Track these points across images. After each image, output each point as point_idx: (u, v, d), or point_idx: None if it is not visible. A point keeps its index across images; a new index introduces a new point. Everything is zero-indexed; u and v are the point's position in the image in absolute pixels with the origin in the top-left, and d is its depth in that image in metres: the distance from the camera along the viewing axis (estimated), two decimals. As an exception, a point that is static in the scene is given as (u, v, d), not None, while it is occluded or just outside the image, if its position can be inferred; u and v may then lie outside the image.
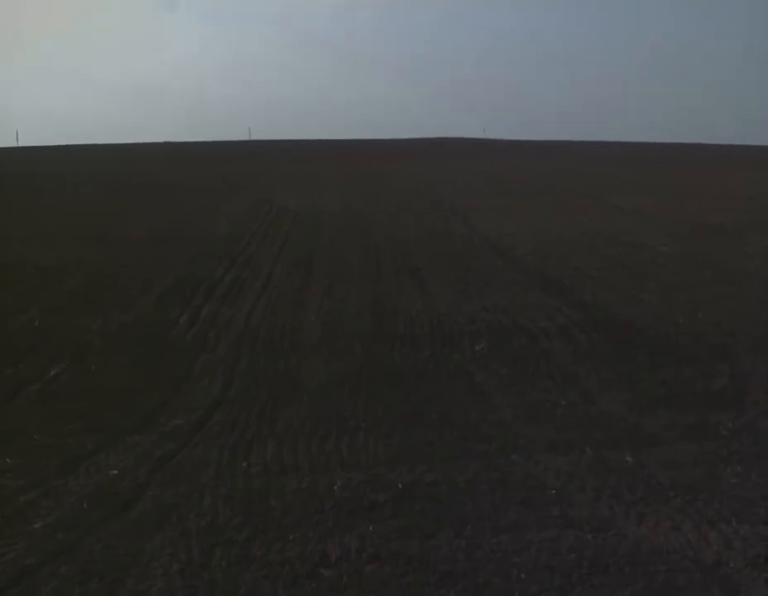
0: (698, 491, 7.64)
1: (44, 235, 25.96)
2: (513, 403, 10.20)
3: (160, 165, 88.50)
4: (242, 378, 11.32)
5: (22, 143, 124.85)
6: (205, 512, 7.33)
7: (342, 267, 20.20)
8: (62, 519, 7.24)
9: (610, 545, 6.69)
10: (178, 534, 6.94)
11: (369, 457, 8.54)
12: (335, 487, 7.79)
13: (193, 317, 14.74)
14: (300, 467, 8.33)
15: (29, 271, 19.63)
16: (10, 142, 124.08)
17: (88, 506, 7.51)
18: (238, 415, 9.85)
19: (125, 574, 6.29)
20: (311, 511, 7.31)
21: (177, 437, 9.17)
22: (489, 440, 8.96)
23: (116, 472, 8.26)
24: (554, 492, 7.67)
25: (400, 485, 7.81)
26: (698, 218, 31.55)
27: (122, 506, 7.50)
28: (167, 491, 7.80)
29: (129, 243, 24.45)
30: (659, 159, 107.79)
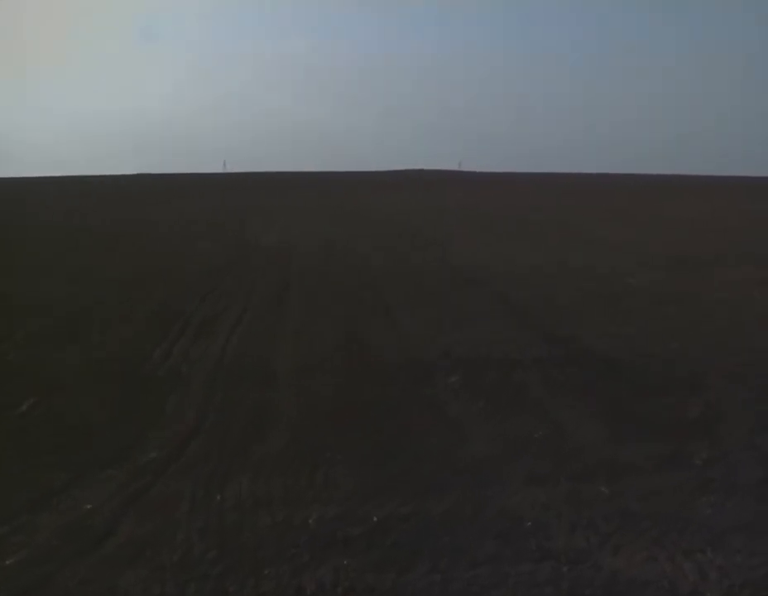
0: (673, 521, 7.65)
1: (20, 269, 25.89)
2: (488, 436, 10.19)
3: (135, 197, 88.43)
4: (215, 412, 11.25)
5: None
6: (179, 547, 7.27)
7: (315, 302, 20.18)
8: (34, 555, 7.14)
9: (586, 577, 6.68)
10: (152, 569, 6.87)
11: (343, 490, 8.49)
12: (310, 521, 7.75)
13: (167, 351, 14.66)
14: (275, 501, 8.27)
15: (6, 306, 19.55)
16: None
17: (60, 541, 7.42)
18: (212, 448, 9.79)
19: (98, 611, 6.22)
20: (286, 545, 7.26)
21: (151, 471, 9.09)
22: (464, 473, 8.94)
23: (89, 506, 8.17)
24: (529, 524, 7.66)
25: (375, 518, 7.78)
26: (671, 250, 31.86)
27: (96, 541, 7.41)
28: (141, 525, 7.72)
29: (105, 279, 24.41)
30: (633, 190, 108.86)
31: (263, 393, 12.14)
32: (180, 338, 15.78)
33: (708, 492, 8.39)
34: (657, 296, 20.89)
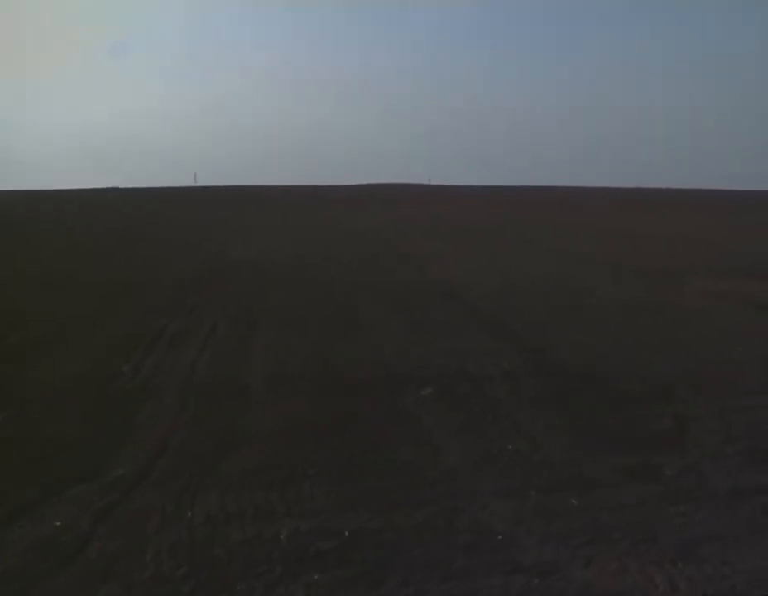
0: (644, 532, 7.69)
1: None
2: (459, 448, 10.19)
3: (107, 212, 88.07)
4: (186, 427, 11.19)
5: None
6: (150, 563, 7.22)
7: (288, 316, 20.13)
8: (3, 572, 7.07)
9: (557, 589, 6.71)
10: (122, 586, 6.83)
11: (315, 505, 8.47)
12: (281, 536, 7.72)
13: (137, 366, 14.57)
14: (246, 516, 8.24)
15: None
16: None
17: (30, 558, 7.36)
18: (183, 464, 9.73)
19: (67, 629, 6.17)
20: (257, 561, 7.24)
21: (121, 487, 9.02)
22: (435, 486, 8.94)
23: (59, 523, 8.10)
24: (500, 537, 7.67)
25: (346, 533, 7.77)
26: (641, 262, 32.10)
27: (66, 558, 7.35)
28: (111, 542, 7.66)
29: (77, 293, 24.28)
30: (605, 203, 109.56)
31: (234, 408, 12.10)
32: (152, 353, 15.69)
33: (678, 502, 8.44)
34: (627, 308, 21.03)
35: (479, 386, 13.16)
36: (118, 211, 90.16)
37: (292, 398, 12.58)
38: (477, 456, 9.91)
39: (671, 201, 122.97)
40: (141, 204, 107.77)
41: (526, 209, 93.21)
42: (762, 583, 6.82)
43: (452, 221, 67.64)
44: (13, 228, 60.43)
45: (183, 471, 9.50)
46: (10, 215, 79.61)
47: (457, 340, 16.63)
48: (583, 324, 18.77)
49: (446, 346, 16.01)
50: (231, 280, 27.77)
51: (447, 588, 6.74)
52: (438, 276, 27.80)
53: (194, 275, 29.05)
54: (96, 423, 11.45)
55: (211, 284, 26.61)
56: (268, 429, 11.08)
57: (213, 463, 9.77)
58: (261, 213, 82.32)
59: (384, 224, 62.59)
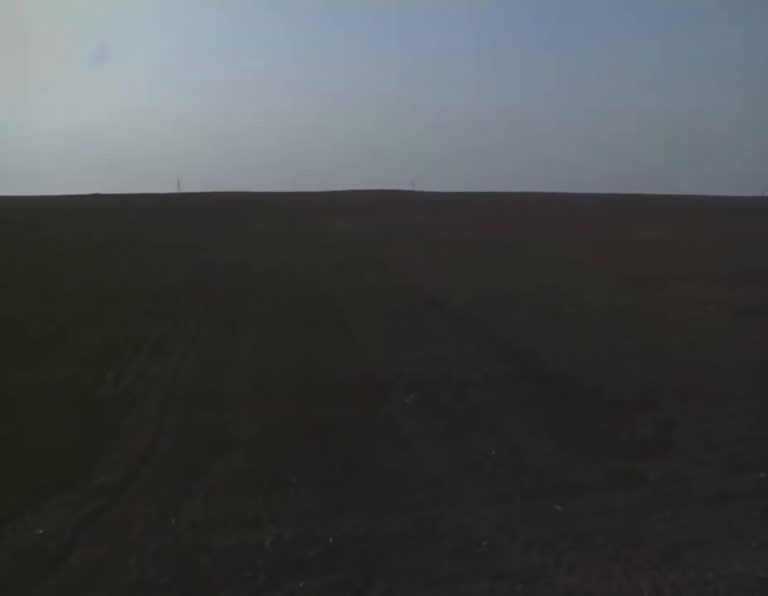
0: (628, 538, 7.72)
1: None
2: (443, 455, 10.20)
3: (90, 219, 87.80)
4: (170, 434, 11.16)
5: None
6: (133, 570, 7.21)
7: (271, 322, 20.11)
8: (-14, 581, 7.05)
9: (542, 595, 6.71)
10: (106, 593, 6.81)
11: (299, 512, 8.46)
12: (266, 543, 7.72)
13: (121, 373, 14.52)
14: (230, 522, 8.22)
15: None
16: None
17: (13, 566, 7.33)
18: (167, 470, 9.70)
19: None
20: (242, 568, 7.23)
21: (105, 494, 8.99)
22: (419, 492, 8.94)
23: (42, 531, 8.07)
24: (485, 543, 7.68)
25: (330, 539, 7.76)
26: (624, 269, 32.19)
27: (50, 565, 7.32)
28: (95, 549, 7.64)
29: (60, 300, 24.19)
30: (591, 210, 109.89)
31: (219, 414, 12.07)
32: (136, 359, 15.65)
33: (661, 508, 8.47)
34: (613, 315, 21.08)
35: (463, 392, 13.17)
36: (102, 218, 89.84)
37: (276, 404, 12.56)
38: (462, 462, 9.92)
39: (657, 208, 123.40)
40: (125, 211, 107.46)
41: (512, 215, 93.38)
42: (744, 588, 6.85)
43: (436, 227, 67.68)
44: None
45: (167, 478, 9.47)
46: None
47: (441, 347, 16.63)
48: (567, 330, 18.80)
49: (430, 352, 16.01)
50: (214, 286, 27.71)
51: (432, 595, 6.74)
52: (423, 283, 27.80)
53: (177, 281, 28.97)
54: (80, 430, 11.41)
55: (195, 290, 26.53)
56: (252, 435, 11.06)
57: (197, 469, 9.74)
58: (243, 219, 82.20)
59: (368, 231, 62.59)
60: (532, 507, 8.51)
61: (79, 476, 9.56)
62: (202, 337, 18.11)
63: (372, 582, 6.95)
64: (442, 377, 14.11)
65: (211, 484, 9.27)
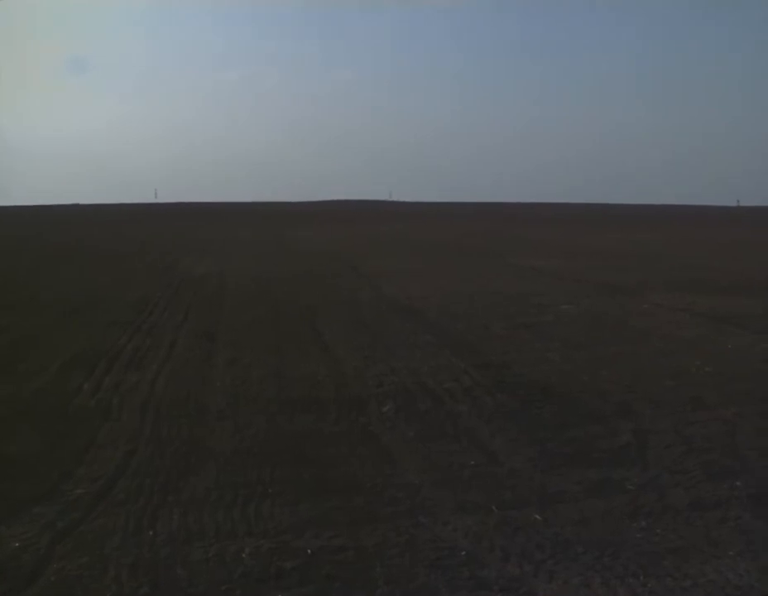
0: (606, 546, 7.72)
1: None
2: (420, 465, 10.18)
3: (69, 228, 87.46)
4: (146, 446, 11.09)
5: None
6: (110, 583, 7.13)
7: (247, 333, 20.05)
8: (-41, 597, 6.97)
9: (520, 605, 6.71)
10: (81, 608, 6.75)
11: (276, 523, 8.41)
12: (243, 555, 7.66)
13: (96, 385, 14.44)
14: (207, 535, 8.16)
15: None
16: None
17: (-13, 581, 7.25)
18: (143, 483, 9.63)
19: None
20: (219, 580, 7.17)
21: (81, 506, 8.91)
22: (397, 503, 8.92)
23: (17, 544, 7.98)
24: (463, 553, 7.66)
25: (309, 551, 7.72)
26: (599, 277, 32.33)
27: (25, 580, 7.24)
28: (71, 562, 7.55)
29: (34, 310, 24.06)
30: (564, 219, 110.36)
31: (195, 426, 12.02)
32: (111, 371, 15.56)
33: (639, 517, 8.49)
34: (588, 323, 21.16)
35: (439, 402, 13.17)
36: (80, 227, 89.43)
37: (252, 416, 12.52)
38: (439, 472, 9.91)
39: (633, 217, 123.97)
40: (103, 221, 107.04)
41: (488, 225, 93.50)
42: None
43: (414, 237, 67.76)
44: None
45: (143, 490, 9.40)
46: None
47: (417, 357, 16.64)
48: (544, 339, 18.84)
49: (406, 363, 16.00)
50: (190, 297, 27.61)
51: (410, 606, 6.73)
52: (398, 293, 27.79)
53: (153, 291, 28.84)
54: (55, 442, 11.32)
55: (171, 300, 26.42)
56: (229, 447, 11.01)
57: (174, 481, 9.69)
58: (220, 229, 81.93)
59: (345, 241, 62.56)
60: (510, 517, 8.50)
61: (55, 488, 9.48)
62: (178, 348, 18.04)
63: (350, 593, 6.92)
64: (419, 387, 14.10)
65: (188, 496, 9.21)
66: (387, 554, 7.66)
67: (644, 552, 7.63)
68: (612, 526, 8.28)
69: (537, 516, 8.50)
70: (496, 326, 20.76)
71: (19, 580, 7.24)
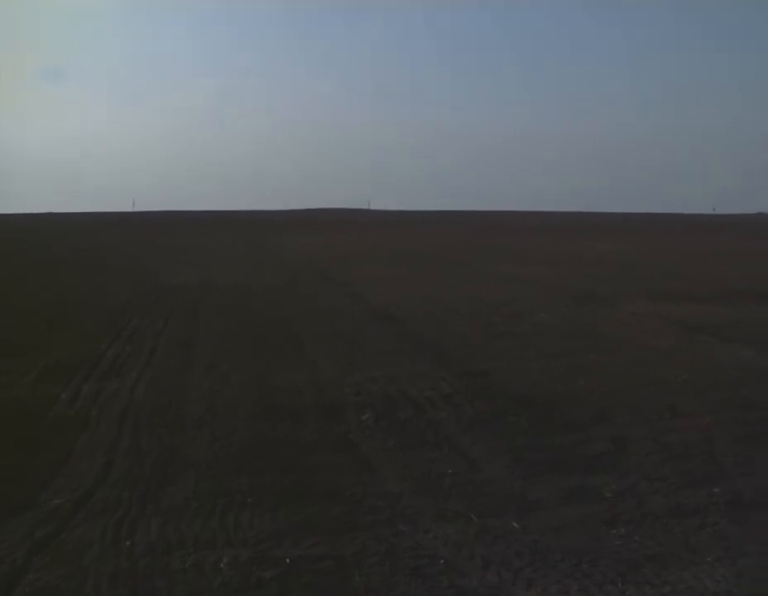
0: (584, 554, 7.75)
1: None
2: (400, 473, 10.18)
3: (45, 236, 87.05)
4: (125, 455, 11.04)
5: None
6: (89, 594, 7.10)
7: (226, 341, 20.02)
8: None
9: (499, 612, 6.73)
10: (59, 619, 6.71)
11: (255, 532, 8.39)
12: (222, 565, 7.64)
13: (74, 394, 14.37)
14: (186, 545, 8.14)
15: None
16: None
17: (-36, 593, 7.20)
18: (121, 493, 9.59)
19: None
20: (198, 590, 7.15)
21: (58, 517, 8.85)
22: (377, 511, 8.92)
23: (-7, 555, 7.94)
24: (443, 561, 7.67)
25: (288, 560, 7.71)
26: (577, 286, 32.47)
27: (2, 590, 7.19)
28: (48, 574, 7.51)
29: (14, 318, 23.96)
30: (542, 228, 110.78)
31: (173, 435, 11.98)
32: (89, 379, 15.48)
33: (617, 524, 8.52)
34: (566, 332, 21.23)
35: (419, 410, 13.18)
36: (56, 236, 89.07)
37: (231, 424, 12.49)
38: (418, 480, 9.91)
39: (609, 226, 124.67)
40: (79, 230, 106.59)
41: (467, 234, 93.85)
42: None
43: (392, 246, 67.85)
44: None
45: (122, 500, 9.36)
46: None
47: (396, 365, 16.64)
48: (521, 347, 18.90)
49: (385, 371, 16.00)
50: (169, 305, 27.53)
51: (389, 614, 6.73)
52: (377, 301, 27.82)
53: (132, 300, 28.77)
54: (33, 451, 11.26)
55: (149, 309, 26.34)
56: (207, 456, 10.98)
57: (152, 491, 9.65)
58: (199, 238, 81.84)
59: (323, 250, 62.61)
60: (489, 525, 8.51)
61: (32, 498, 9.42)
62: (157, 357, 17.98)
63: (330, 602, 6.93)
64: (398, 395, 14.10)
65: (167, 506, 9.18)
66: (367, 562, 7.66)
67: (622, 559, 7.66)
68: (590, 533, 8.31)
69: (516, 524, 8.52)
70: (475, 334, 20.82)
71: (-5, 592, 7.20)
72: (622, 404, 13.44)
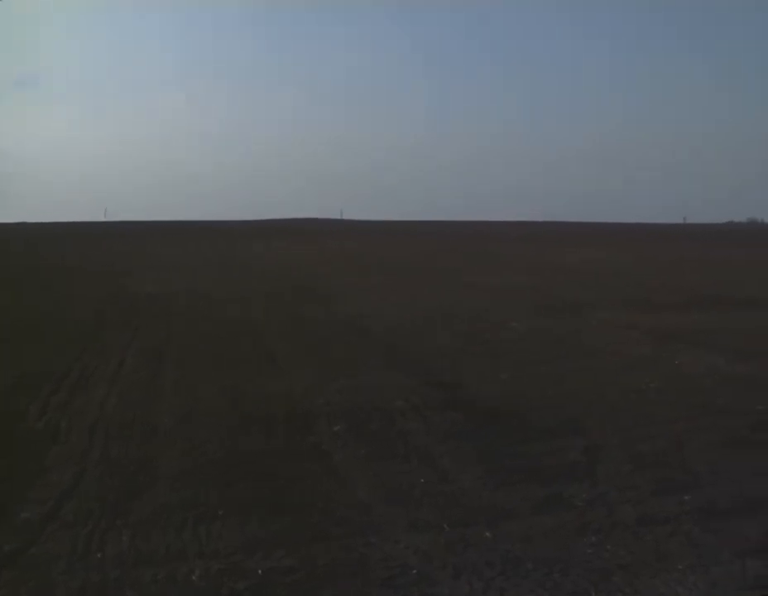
0: (556, 563, 7.75)
1: None
2: (371, 484, 10.16)
3: (15, 246, 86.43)
4: (95, 467, 10.94)
5: None
6: (57, 608, 7.04)
7: (197, 352, 19.93)
8: None
9: (471, 623, 6.72)
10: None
11: (227, 544, 8.34)
12: (193, 577, 7.59)
13: (43, 406, 14.23)
14: (157, 557, 8.07)
15: None
16: None
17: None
18: (92, 505, 9.50)
19: None
20: (168, 603, 7.11)
21: (27, 530, 8.76)
22: (348, 522, 8.89)
23: (-39, 570, 7.84)
24: (414, 571, 7.65)
25: (259, 571, 7.67)
26: (550, 295, 32.59)
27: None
28: (18, 587, 7.42)
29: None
30: (516, 238, 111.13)
31: (143, 447, 11.90)
32: (58, 391, 15.35)
33: (588, 533, 8.53)
34: (539, 341, 21.29)
35: (390, 421, 13.16)
36: (27, 246, 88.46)
37: (202, 436, 12.41)
38: (390, 491, 9.89)
39: (582, 235, 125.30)
40: (50, 239, 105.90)
41: (440, 244, 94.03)
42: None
43: (364, 255, 67.87)
44: None
45: (92, 512, 9.27)
46: None
47: (368, 375, 16.63)
48: (494, 357, 18.93)
49: (357, 382, 15.98)
50: (140, 316, 27.38)
51: (361, 625, 6.70)
52: (349, 311, 27.81)
53: (102, 310, 28.61)
54: (2, 465, 11.15)
55: (120, 320, 26.18)
56: (178, 468, 10.91)
57: (122, 503, 9.57)
58: (170, 248, 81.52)
59: (294, 259, 62.55)
60: (461, 534, 8.50)
61: (1, 512, 9.33)
62: (127, 368, 17.86)
63: (301, 614, 6.89)
64: (370, 405, 14.07)
65: (137, 518, 9.10)
66: (338, 573, 7.63)
67: (594, 568, 7.67)
68: (561, 542, 8.31)
69: (487, 534, 8.51)
70: (447, 344, 20.84)
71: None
72: (595, 412, 13.49)
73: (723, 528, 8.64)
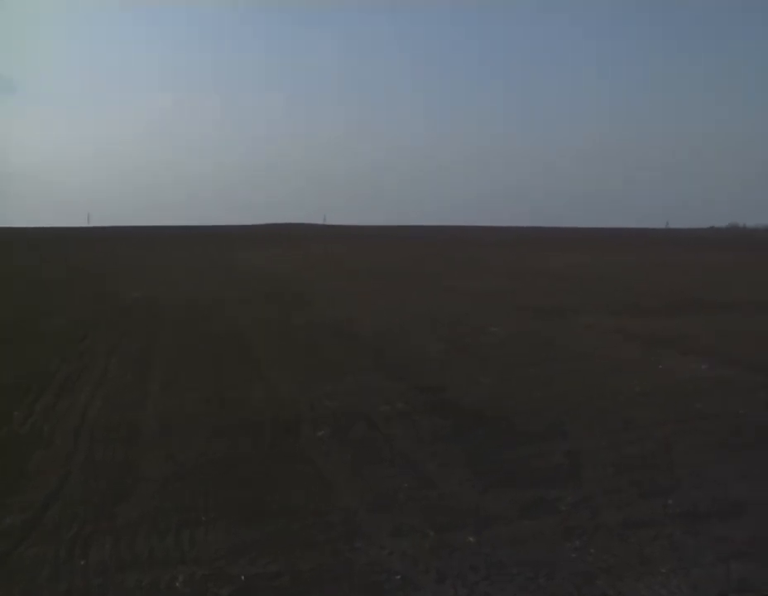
0: (540, 567, 7.78)
1: None
2: (356, 489, 10.15)
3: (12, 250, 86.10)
4: (79, 472, 10.91)
5: None
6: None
7: (181, 358, 19.87)
8: None
9: (455, 627, 6.72)
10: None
11: (211, 550, 8.32)
12: (177, 583, 7.57)
13: (29, 410, 14.18)
14: (141, 562, 8.06)
15: None
16: None
17: None
18: (76, 510, 9.47)
19: None
20: (152, 609, 7.09)
21: (10, 536, 8.74)
22: (333, 527, 8.88)
23: (-56, 577, 7.80)
24: (399, 576, 7.66)
25: (243, 577, 7.66)
26: (537, 299, 32.68)
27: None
28: (1, 593, 7.41)
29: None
30: (499, 243, 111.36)
31: (128, 452, 11.86)
32: (43, 397, 15.29)
33: (573, 536, 8.56)
34: (523, 345, 21.33)
35: (374, 425, 13.16)
36: (8, 252, 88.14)
37: (186, 441, 12.39)
38: (374, 496, 9.89)
39: (565, 240, 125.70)
40: (32, 245, 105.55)
41: (424, 249, 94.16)
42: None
43: (347, 260, 67.89)
44: None
45: (76, 518, 9.25)
46: None
47: (352, 380, 16.62)
48: (479, 361, 18.96)
49: (341, 386, 15.98)
50: (124, 321, 27.28)
51: (345, 630, 6.70)
52: (333, 316, 27.79)
53: (86, 316, 28.49)
54: (-16, 471, 11.10)
55: (104, 326, 26.07)
56: (162, 473, 10.88)
57: (106, 509, 9.54)
58: (154, 253, 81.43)
59: (278, 264, 62.50)
60: (445, 539, 8.52)
61: (-18, 518, 9.29)
62: (111, 374, 17.79)
63: (286, 619, 6.88)
64: (354, 410, 14.07)
65: (121, 523, 9.08)
66: (324, 579, 7.63)
67: (578, 571, 7.70)
68: (545, 546, 8.34)
69: (472, 538, 8.52)
70: (431, 349, 20.85)
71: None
72: (580, 416, 13.53)
73: (707, 531, 8.68)
